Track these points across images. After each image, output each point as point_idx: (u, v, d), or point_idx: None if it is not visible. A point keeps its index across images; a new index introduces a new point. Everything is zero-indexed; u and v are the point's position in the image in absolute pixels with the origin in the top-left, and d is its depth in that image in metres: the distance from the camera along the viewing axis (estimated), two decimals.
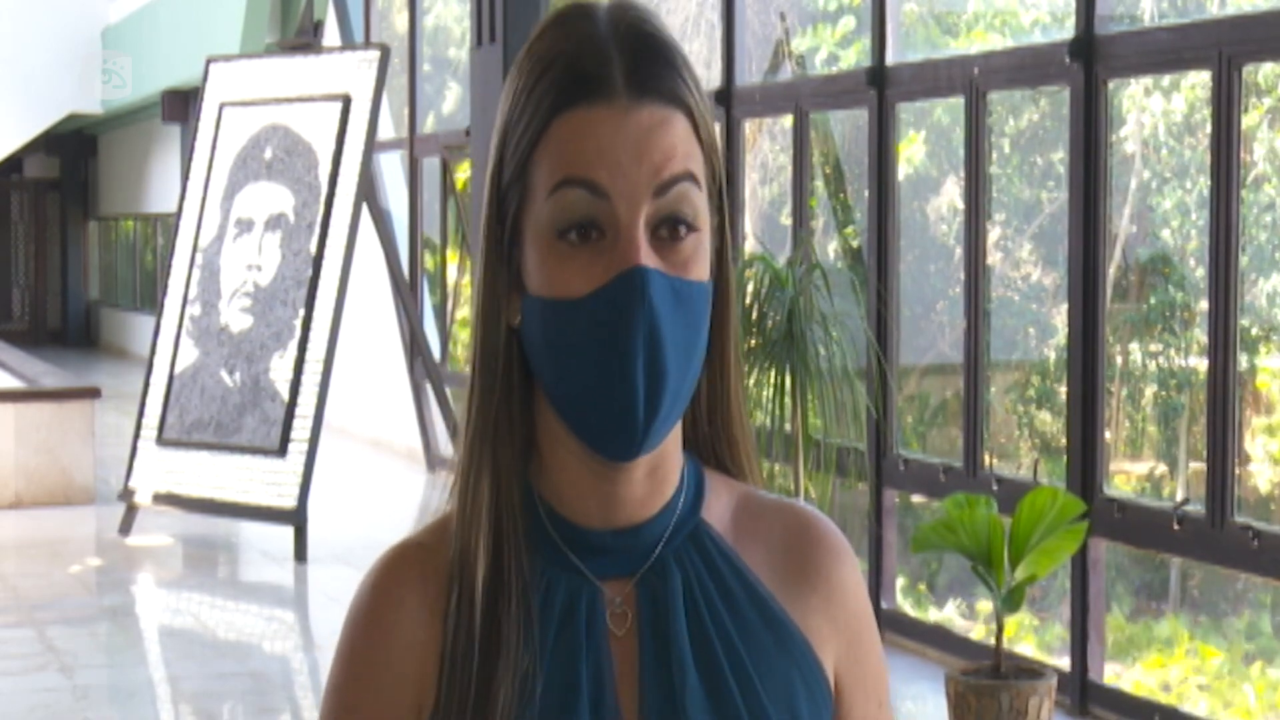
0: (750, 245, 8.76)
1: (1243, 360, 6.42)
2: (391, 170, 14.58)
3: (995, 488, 6.81)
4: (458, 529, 1.39)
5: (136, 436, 10.79)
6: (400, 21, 14.79)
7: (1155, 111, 8.21)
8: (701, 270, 1.35)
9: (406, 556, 1.41)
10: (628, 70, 1.34)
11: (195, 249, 10.87)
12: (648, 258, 1.32)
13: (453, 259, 13.71)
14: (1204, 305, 6.39)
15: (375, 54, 10.56)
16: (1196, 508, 6.09)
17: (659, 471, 1.39)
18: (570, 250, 1.33)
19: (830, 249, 9.30)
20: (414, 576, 1.40)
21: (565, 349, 1.33)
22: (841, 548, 1.46)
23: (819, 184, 9.16)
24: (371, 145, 10.39)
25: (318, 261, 10.20)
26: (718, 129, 8.73)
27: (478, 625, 1.36)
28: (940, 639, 7.42)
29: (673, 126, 1.34)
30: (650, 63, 1.35)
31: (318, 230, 10.25)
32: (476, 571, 1.37)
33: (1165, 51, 6.31)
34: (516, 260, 1.37)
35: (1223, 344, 5.91)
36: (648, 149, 1.32)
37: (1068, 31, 6.75)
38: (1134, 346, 8.23)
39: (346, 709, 1.40)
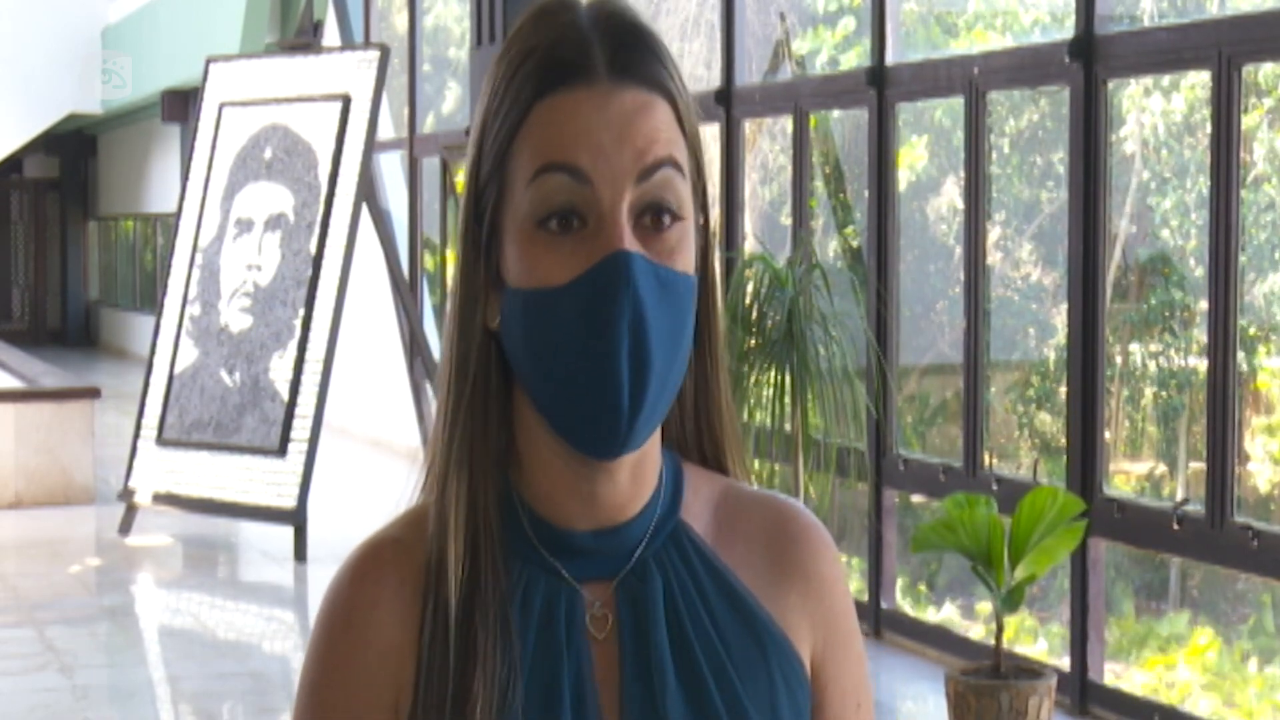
0: (750, 245, 8.76)
1: (1242, 360, 6.42)
2: (391, 170, 14.58)
3: (995, 487, 6.81)
4: (433, 534, 1.37)
5: (136, 436, 10.79)
6: (400, 21, 14.79)
7: (1155, 111, 8.21)
8: (687, 262, 1.33)
9: (382, 554, 1.38)
10: (609, 55, 1.31)
11: (195, 249, 10.87)
12: (631, 243, 1.29)
13: (452, 259, 13.69)
14: (1204, 305, 6.39)
15: (375, 54, 10.56)
16: (1196, 507, 6.09)
17: (640, 473, 1.37)
18: (551, 239, 1.30)
19: (830, 249, 9.30)
20: (390, 575, 1.37)
21: (547, 341, 1.30)
22: (822, 542, 1.44)
23: (819, 184, 9.16)
24: (371, 145, 10.39)
25: (317, 261, 10.20)
26: (717, 129, 8.76)
27: (453, 633, 1.33)
28: (940, 639, 7.42)
29: (655, 111, 1.32)
30: (632, 48, 1.32)
31: (317, 230, 10.25)
32: (450, 579, 1.34)
33: (1165, 51, 6.32)
34: (495, 258, 1.35)
35: (1222, 344, 5.91)
36: (630, 133, 1.30)
37: (1068, 31, 6.75)
38: (1134, 346, 8.23)
39: (321, 710, 1.37)
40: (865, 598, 7.68)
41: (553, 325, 1.30)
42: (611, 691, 1.35)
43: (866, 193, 7.85)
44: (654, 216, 1.31)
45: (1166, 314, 8.09)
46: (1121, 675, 7.40)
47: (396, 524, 1.41)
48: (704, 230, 1.38)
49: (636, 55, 1.32)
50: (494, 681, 1.32)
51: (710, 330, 1.40)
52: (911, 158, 8.94)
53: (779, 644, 1.39)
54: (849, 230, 9.14)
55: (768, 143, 10.11)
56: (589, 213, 1.29)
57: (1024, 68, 7.03)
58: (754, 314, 6.59)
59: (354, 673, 1.36)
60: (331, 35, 15.37)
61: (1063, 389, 7.14)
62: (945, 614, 8.49)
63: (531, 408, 1.35)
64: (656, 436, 1.38)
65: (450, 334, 1.38)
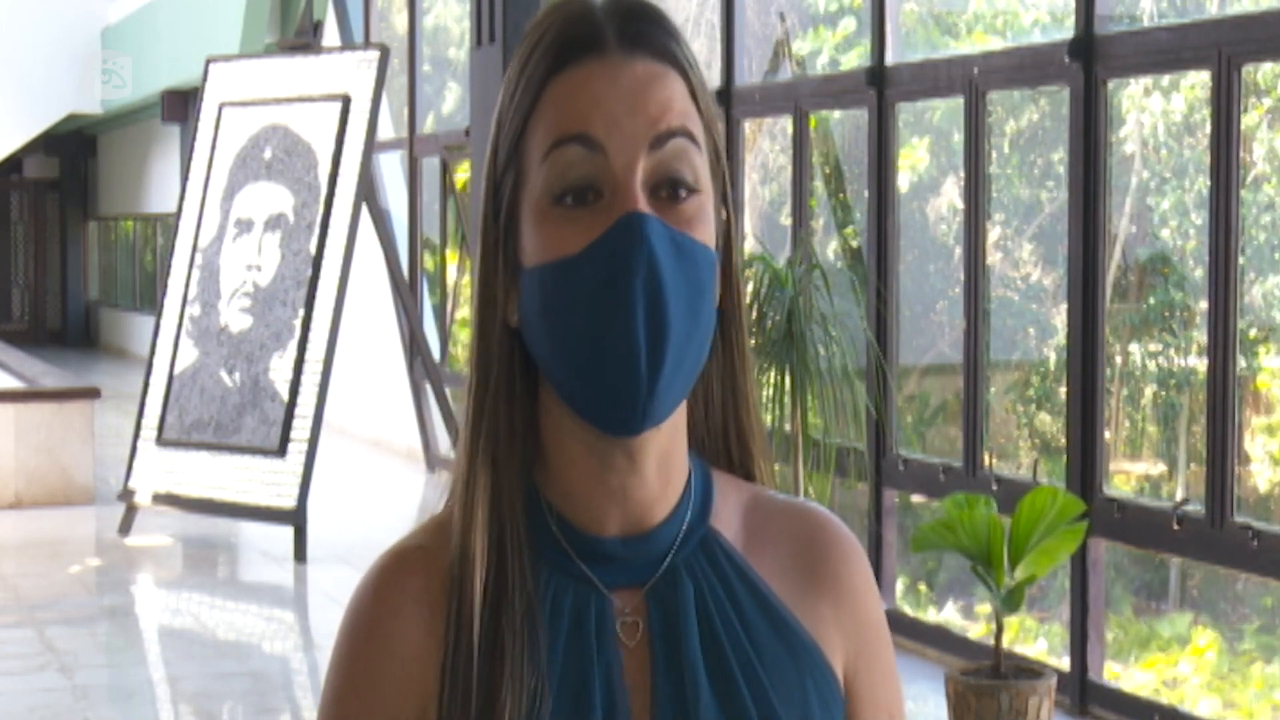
0: (750, 245, 8.76)
1: (1242, 360, 6.42)
2: (391, 170, 14.58)
3: (995, 488, 6.81)
4: (457, 535, 1.35)
5: (136, 436, 10.79)
6: (400, 21, 14.79)
7: (1155, 111, 8.21)
8: (705, 233, 1.32)
9: (406, 561, 1.37)
10: (619, 28, 1.32)
11: (195, 249, 10.87)
12: (645, 207, 1.28)
13: (452, 259, 13.72)
14: (1204, 305, 6.39)
15: (375, 54, 10.56)
16: (1196, 508, 6.09)
17: (666, 468, 1.35)
18: (567, 214, 1.29)
19: (830, 249, 9.30)
20: (414, 583, 1.35)
21: (564, 311, 1.29)
22: (854, 552, 1.43)
23: (819, 184, 9.16)
24: (371, 145, 10.39)
25: (317, 261, 10.20)
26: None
27: (478, 637, 1.32)
28: (940, 639, 7.42)
29: (668, 81, 1.32)
30: (641, 21, 1.33)
31: (317, 230, 10.25)
32: (475, 581, 1.32)
33: (1165, 51, 6.32)
34: (513, 249, 1.34)
35: (1222, 344, 5.91)
36: (643, 101, 1.30)
37: (1067, 31, 6.75)
38: (1134, 346, 8.23)
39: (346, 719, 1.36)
40: None
41: (569, 294, 1.29)
42: (642, 699, 1.33)
43: (866, 193, 7.85)
44: (670, 189, 1.30)
45: (1166, 314, 8.09)
46: (1121, 675, 7.40)
47: (420, 531, 1.39)
48: (726, 224, 1.38)
49: (646, 27, 1.33)
50: (522, 688, 1.30)
51: (735, 322, 1.39)
52: (913, 159, 8.93)
53: (811, 652, 1.38)
54: (849, 230, 9.14)
55: (768, 143, 10.11)
56: (604, 183, 1.29)
57: (1024, 68, 7.03)
58: (754, 314, 6.59)
59: (378, 683, 1.34)
60: (331, 35, 15.37)
61: (1063, 389, 7.14)
62: (945, 614, 8.49)
63: (556, 403, 1.34)
64: (682, 436, 1.37)
65: (471, 332, 1.37)
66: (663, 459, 1.35)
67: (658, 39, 1.33)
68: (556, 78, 1.31)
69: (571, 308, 1.29)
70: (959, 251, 7.66)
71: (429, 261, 14.22)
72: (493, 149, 1.36)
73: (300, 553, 9.83)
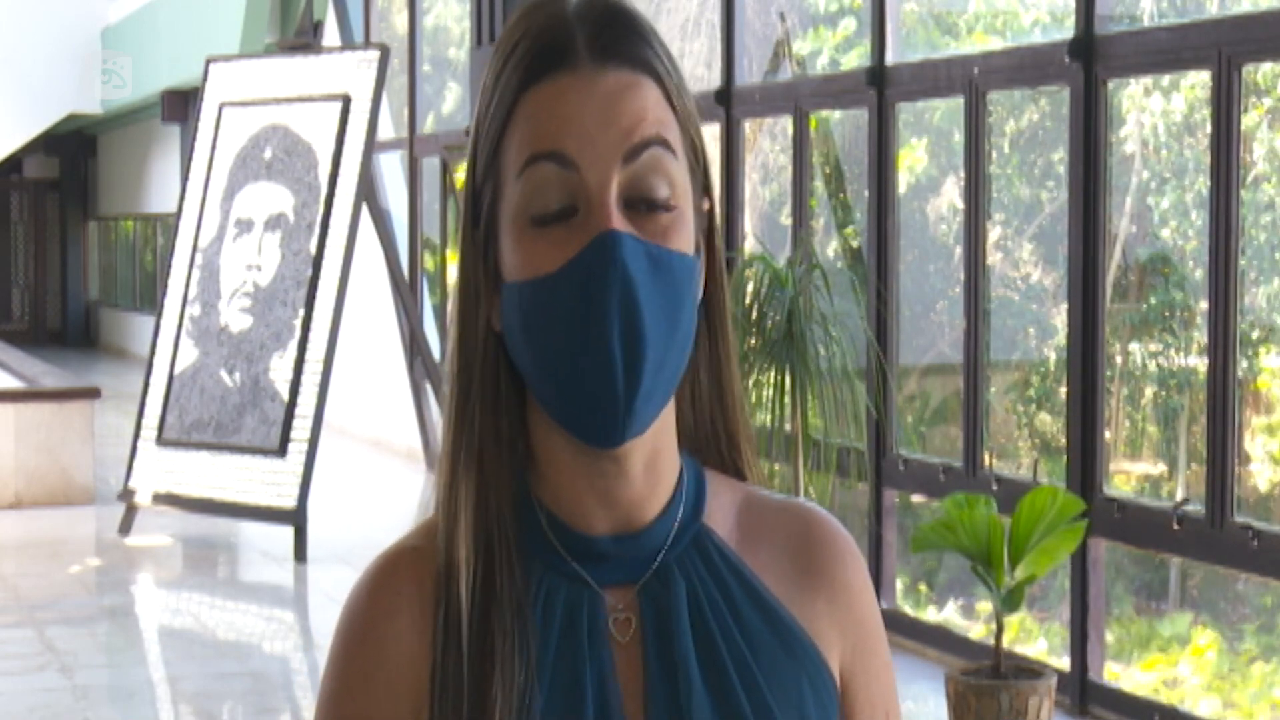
0: (750, 245, 8.76)
1: (1242, 361, 6.42)
2: (391, 170, 14.58)
3: (995, 487, 6.81)
4: (442, 538, 1.35)
5: (136, 436, 10.80)
6: (400, 21, 14.80)
7: (1155, 111, 8.21)
8: (683, 243, 1.31)
9: (399, 563, 1.37)
10: (590, 38, 1.31)
11: (195, 249, 10.87)
12: (620, 224, 1.28)
13: (452, 259, 13.71)
14: (1204, 305, 6.39)
15: (375, 54, 10.56)
16: (1196, 507, 6.10)
17: (655, 468, 1.35)
18: (544, 230, 1.29)
19: (830, 249, 9.30)
20: (407, 584, 1.36)
21: (542, 328, 1.29)
22: (848, 549, 1.43)
23: (819, 184, 9.16)
24: (371, 145, 10.40)
25: (317, 261, 10.20)
26: (717, 129, 8.75)
27: (466, 638, 1.32)
28: (940, 639, 7.42)
29: (641, 91, 1.30)
30: (613, 29, 1.32)
31: (317, 230, 10.26)
32: (462, 582, 1.33)
33: (1165, 51, 6.32)
34: (494, 257, 1.34)
35: (1222, 344, 5.91)
36: (615, 114, 1.29)
37: (1067, 31, 6.75)
38: (1134, 346, 8.23)
39: None
40: None
41: (546, 312, 1.29)
42: (635, 695, 1.34)
43: (866, 193, 7.85)
44: (646, 201, 1.30)
45: (1166, 314, 8.09)
46: (1121, 675, 7.40)
47: (414, 533, 1.40)
48: (708, 215, 1.37)
49: (618, 36, 1.31)
50: (513, 687, 1.30)
51: (720, 311, 1.39)
52: (911, 160, 8.94)
53: (806, 650, 1.38)
54: (849, 230, 9.14)
55: (768, 143, 10.11)
56: (579, 200, 1.29)
57: (1024, 68, 7.03)
58: (754, 314, 6.59)
59: (373, 684, 1.35)
60: (331, 35, 15.38)
61: (1063, 389, 7.14)
62: (945, 614, 8.49)
63: (537, 402, 1.34)
64: (670, 434, 1.37)
65: (453, 336, 1.37)
66: (650, 459, 1.35)
67: (630, 46, 1.32)
68: (529, 91, 1.30)
69: (549, 325, 1.29)
70: (959, 251, 7.66)
71: (429, 261, 14.22)
72: (471, 158, 1.35)
73: (300, 553, 9.83)
